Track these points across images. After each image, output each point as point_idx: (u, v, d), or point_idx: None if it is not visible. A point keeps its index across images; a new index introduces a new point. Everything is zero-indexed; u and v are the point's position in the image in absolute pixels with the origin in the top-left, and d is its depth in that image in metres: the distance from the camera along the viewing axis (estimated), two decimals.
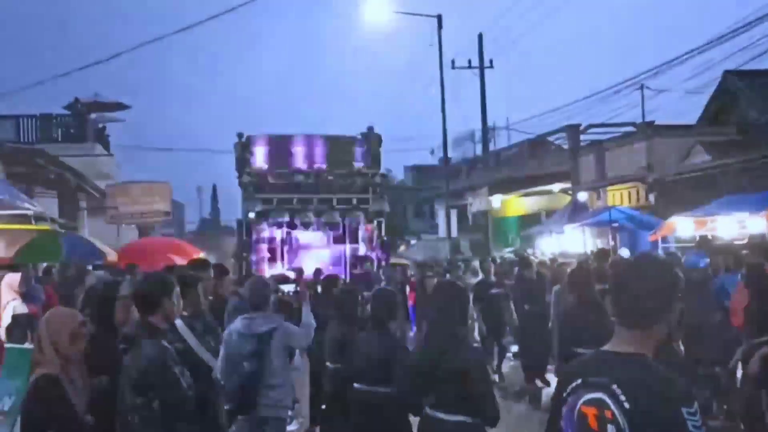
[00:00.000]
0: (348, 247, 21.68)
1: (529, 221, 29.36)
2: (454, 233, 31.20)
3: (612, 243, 17.95)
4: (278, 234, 21.42)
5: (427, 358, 4.89)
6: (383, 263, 21.30)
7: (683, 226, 14.91)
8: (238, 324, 6.42)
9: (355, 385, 6.02)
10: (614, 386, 2.51)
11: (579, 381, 2.65)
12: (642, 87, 23.43)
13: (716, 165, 16.12)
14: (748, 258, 9.91)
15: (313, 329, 6.69)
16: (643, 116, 24.55)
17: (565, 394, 2.70)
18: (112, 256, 15.43)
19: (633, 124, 23.76)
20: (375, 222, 22.57)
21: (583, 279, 8.40)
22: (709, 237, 14.76)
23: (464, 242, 32.24)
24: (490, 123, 32.58)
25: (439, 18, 27.80)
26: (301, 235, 21.68)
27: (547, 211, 28.38)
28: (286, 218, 21.47)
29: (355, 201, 22.13)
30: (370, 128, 24.19)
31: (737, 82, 20.31)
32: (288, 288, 8.32)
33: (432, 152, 47.94)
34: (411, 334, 15.52)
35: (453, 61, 33.31)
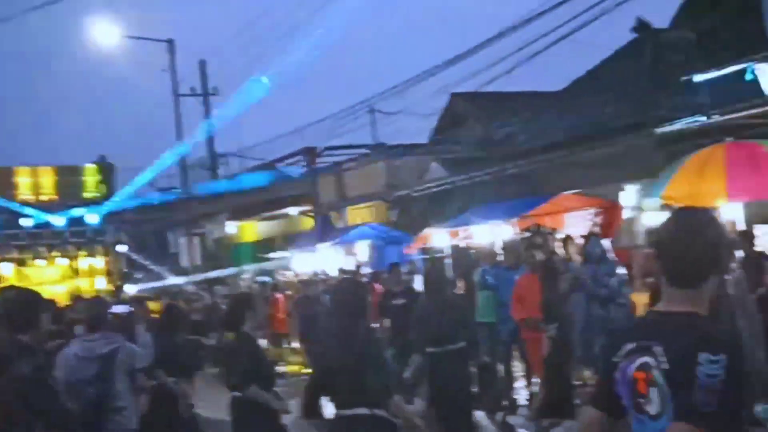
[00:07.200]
0: (87, 281, 20.37)
1: (264, 246, 29.17)
2: (197, 261, 30.28)
3: (361, 259, 18.53)
4: (4, 269, 19.61)
5: None
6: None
7: (437, 238, 15.67)
8: (76, 347, 5.85)
9: None
10: (657, 347, 2.46)
11: (633, 345, 2.57)
12: (373, 110, 24.28)
13: (462, 178, 17.17)
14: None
15: (151, 350, 6.35)
16: (375, 138, 25.48)
17: (615, 359, 2.63)
18: None
19: (367, 146, 24.59)
20: (114, 254, 21.41)
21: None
22: (464, 245, 15.73)
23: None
24: (223, 149, 32.08)
25: (171, 42, 27.04)
26: (32, 271, 20.01)
27: (284, 235, 28.39)
28: (15, 254, 19.78)
29: (90, 233, 20.86)
30: (102, 157, 22.93)
31: (464, 104, 21.81)
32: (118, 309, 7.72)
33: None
34: None
35: (175, 90, 32.33)
